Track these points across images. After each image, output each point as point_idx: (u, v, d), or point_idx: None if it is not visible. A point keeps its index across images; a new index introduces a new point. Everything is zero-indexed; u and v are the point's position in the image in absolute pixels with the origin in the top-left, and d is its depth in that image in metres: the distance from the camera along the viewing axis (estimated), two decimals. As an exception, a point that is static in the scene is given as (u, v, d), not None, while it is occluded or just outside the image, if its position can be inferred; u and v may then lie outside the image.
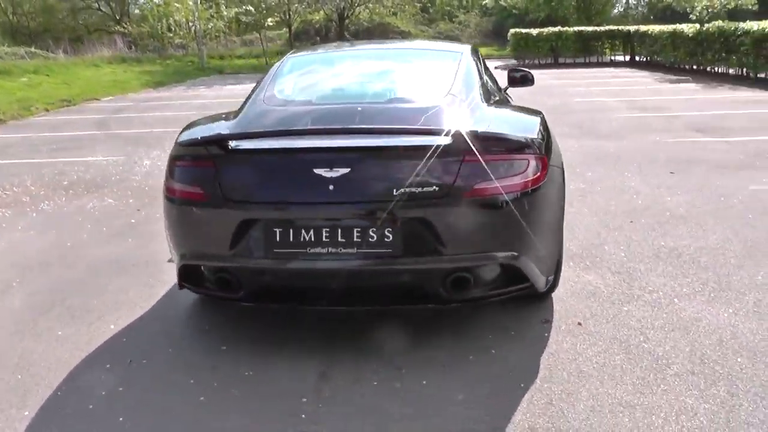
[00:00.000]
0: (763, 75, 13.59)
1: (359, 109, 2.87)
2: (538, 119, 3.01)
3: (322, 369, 2.74)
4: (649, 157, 6.70)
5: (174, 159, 2.76)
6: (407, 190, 2.47)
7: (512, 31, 26.38)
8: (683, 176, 5.81)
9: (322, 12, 31.36)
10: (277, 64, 3.67)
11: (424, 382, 2.63)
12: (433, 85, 3.25)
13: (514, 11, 35.68)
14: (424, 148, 2.46)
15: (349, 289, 2.71)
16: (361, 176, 2.49)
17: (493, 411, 2.43)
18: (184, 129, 3.08)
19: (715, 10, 17.01)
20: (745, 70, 14.27)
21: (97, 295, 3.66)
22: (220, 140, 2.63)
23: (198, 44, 29.95)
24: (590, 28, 25.03)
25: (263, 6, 29.66)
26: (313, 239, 2.51)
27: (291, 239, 2.53)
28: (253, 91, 3.36)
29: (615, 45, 24.23)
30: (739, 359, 2.71)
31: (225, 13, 32.66)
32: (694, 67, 17.12)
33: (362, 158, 2.53)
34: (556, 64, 24.28)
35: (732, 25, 14.69)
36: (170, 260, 4.10)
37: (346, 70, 3.68)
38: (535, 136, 2.75)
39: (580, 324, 3.09)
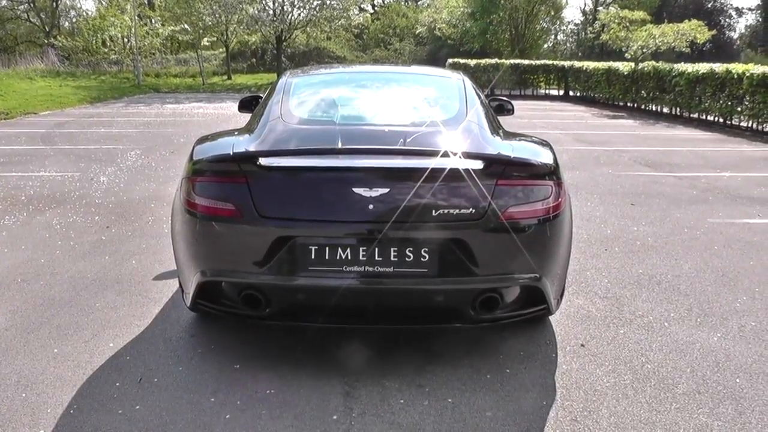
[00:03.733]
0: (695, 115, 14.49)
1: (386, 130, 2.92)
2: (548, 147, 3.14)
3: (346, 388, 2.74)
4: (607, 188, 7.04)
5: (197, 174, 2.72)
6: (445, 211, 2.54)
7: (450, 61, 27.10)
8: (644, 208, 6.13)
9: (259, 34, 31.24)
10: (282, 82, 3.68)
11: (450, 401, 2.67)
12: (448, 110, 3.35)
13: (449, 41, 36.62)
14: (460, 171, 2.53)
15: (378, 308, 2.72)
16: (399, 196, 2.53)
17: (524, 427, 2.49)
18: (198, 144, 3.03)
19: (650, 51, 18.03)
20: (678, 109, 15.14)
21: (85, 313, 3.51)
22: (252, 157, 2.61)
23: (135, 61, 29.26)
24: (527, 62, 25.91)
25: (201, 25, 29.35)
26: (350, 257, 2.53)
27: (327, 257, 2.53)
28: (263, 107, 3.36)
29: (550, 79, 25.16)
30: (737, 380, 2.89)
31: (161, 30, 32.12)
32: (629, 104, 18.02)
33: (401, 179, 2.57)
34: (493, 96, 25.01)
35: (667, 66, 15.62)
36: (157, 277, 4.04)
37: (357, 92, 3.72)
38: (554, 163, 2.87)
39: (583, 345, 3.21)
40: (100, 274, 4.12)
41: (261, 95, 5.16)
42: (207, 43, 31.04)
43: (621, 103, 18.45)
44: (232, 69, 33.61)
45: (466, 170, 2.54)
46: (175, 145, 10.21)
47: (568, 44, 48.43)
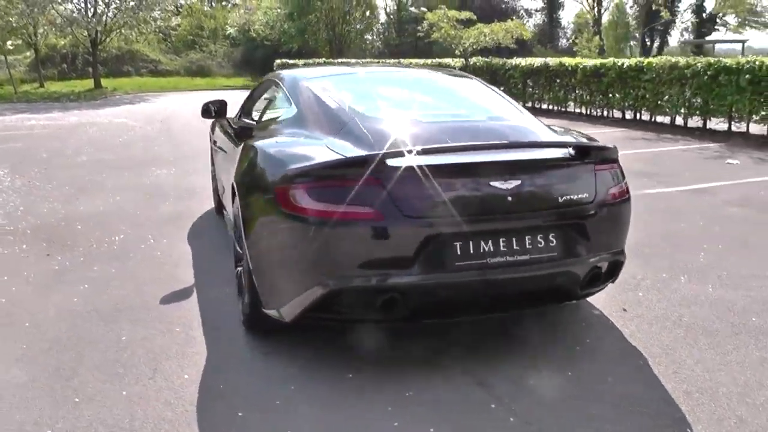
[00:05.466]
0: (530, 104, 16.02)
1: (480, 126, 3.01)
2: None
3: (477, 379, 2.78)
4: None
5: (312, 180, 2.57)
6: (567, 197, 2.72)
7: (278, 62, 26.96)
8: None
9: (70, 36, 28.35)
10: (301, 83, 3.56)
11: (569, 373, 2.85)
12: (501, 105, 3.51)
13: (265, 42, 36.25)
14: (574, 160, 2.73)
15: (512, 296, 2.80)
16: (529, 187, 2.66)
17: (648, 382, 2.75)
18: (269, 150, 2.84)
19: (479, 47, 19.52)
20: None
21: (118, 349, 3.11)
22: (382, 159, 2.53)
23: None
24: (353, 60, 26.66)
25: (3, 25, 25.90)
26: (491, 249, 2.58)
27: (471, 251, 2.56)
28: (323, 112, 3.19)
29: (377, 76, 26.06)
30: (753, 318, 3.41)
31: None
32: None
33: (529, 170, 2.69)
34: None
35: (500, 61, 17.09)
36: (164, 301, 3.67)
37: (408, 91, 3.73)
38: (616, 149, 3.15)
39: (625, 310, 3.55)
40: (89, 306, 3.63)
41: (224, 100, 4.88)
42: (11, 47, 27.33)
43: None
44: (42, 76, 29.92)
45: (578, 159, 2.75)
46: (39, 161, 9.05)
47: (376, 44, 50.37)
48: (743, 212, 5.74)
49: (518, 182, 2.62)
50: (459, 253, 2.56)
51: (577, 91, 14.19)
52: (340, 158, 2.58)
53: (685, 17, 46.63)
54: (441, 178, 2.58)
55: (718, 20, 44.77)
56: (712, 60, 10.94)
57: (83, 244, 4.84)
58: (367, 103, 3.39)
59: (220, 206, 5.55)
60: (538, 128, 3.14)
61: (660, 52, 45.63)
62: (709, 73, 10.64)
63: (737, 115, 10.57)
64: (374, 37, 49.27)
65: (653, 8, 38.96)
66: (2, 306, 3.66)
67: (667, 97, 11.79)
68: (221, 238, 5.00)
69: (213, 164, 5.59)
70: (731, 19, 43.81)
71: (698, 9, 44.85)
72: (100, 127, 13.39)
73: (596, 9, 47.44)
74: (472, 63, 18.20)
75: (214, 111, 4.71)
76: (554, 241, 2.68)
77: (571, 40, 47.74)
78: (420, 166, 2.55)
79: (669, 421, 2.50)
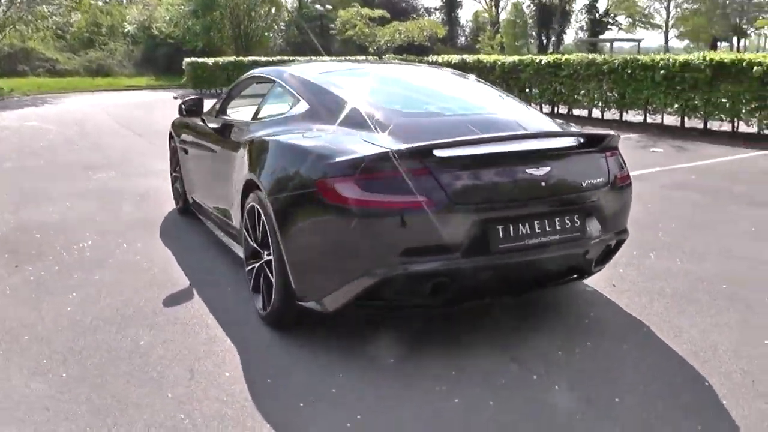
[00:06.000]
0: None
1: (502, 118, 3.21)
2: None
3: (510, 356, 2.95)
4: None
5: (367, 172, 2.63)
6: (588, 181, 2.97)
7: (187, 60, 26.07)
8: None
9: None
10: (309, 79, 3.63)
11: (588, 344, 3.08)
12: (507, 100, 3.75)
13: (169, 40, 34.96)
14: (594, 148, 2.99)
15: (541, 275, 2.98)
16: (558, 173, 2.88)
17: (658, 347, 3.02)
18: (325, 146, 2.89)
19: (395, 44, 19.88)
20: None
21: (139, 354, 3.02)
22: (429, 150, 2.64)
23: None
24: (265, 59, 26.20)
25: None
26: (528, 231, 2.76)
27: (512, 234, 2.74)
28: (345, 107, 3.23)
29: (293, 74, 25.79)
30: (723, 286, 3.80)
31: None
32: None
33: (557, 158, 2.91)
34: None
35: (417, 58, 17.48)
36: (168, 303, 3.59)
37: (417, 86, 3.86)
38: None
39: (614, 285, 3.85)
40: (89, 314, 3.49)
41: (201, 97, 4.79)
42: None
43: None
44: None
45: (596, 146, 3.01)
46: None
47: (278, 42, 49.75)
48: (682, 195, 6.28)
49: (548, 168, 2.83)
50: (501, 236, 2.72)
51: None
52: (388, 150, 2.65)
53: (579, 17, 49.43)
54: (484, 167, 2.74)
55: (610, 20, 47.81)
56: (628, 57, 11.76)
57: (51, 253, 4.61)
58: (383, 98, 3.46)
59: (186, 207, 5.43)
60: (547, 120, 3.38)
61: (556, 50, 48.17)
62: (626, 69, 11.42)
63: (652, 107, 11.41)
64: (275, 34, 48.73)
65: (548, 5, 41.00)
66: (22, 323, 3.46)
67: (583, 91, 12.52)
68: (197, 239, 4.91)
69: (178, 165, 5.44)
70: (623, 20, 46.99)
71: (591, 9, 47.64)
72: (13, 131, 12.51)
73: (494, 8, 49.27)
74: (387, 59, 18.51)
75: (194, 109, 4.63)
76: (578, 222, 2.90)
77: (470, 39, 49.38)
78: (465, 156, 2.69)
79: (689, 378, 2.78)
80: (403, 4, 48.13)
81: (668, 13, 39.36)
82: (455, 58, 16.01)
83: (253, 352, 3.02)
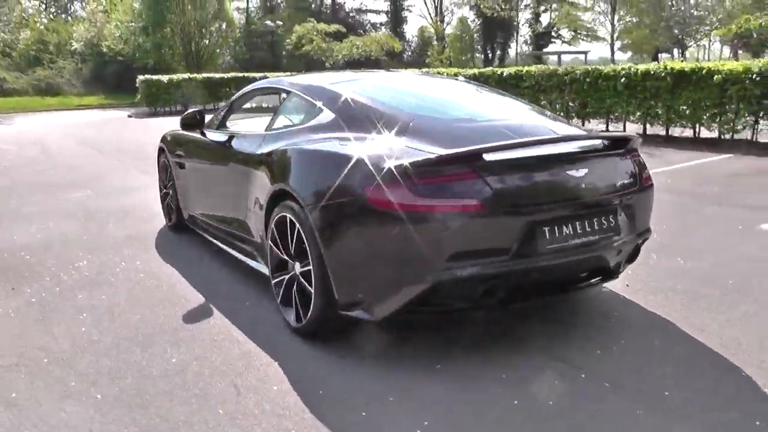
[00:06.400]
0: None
1: (526, 123, 3.27)
2: None
3: (553, 356, 2.98)
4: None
5: (414, 177, 2.63)
6: (621, 182, 3.05)
7: (141, 78, 25.56)
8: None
9: None
10: (339, 89, 3.57)
11: (623, 342, 3.14)
12: (527, 105, 3.83)
13: (118, 57, 34.25)
14: (623, 150, 3.07)
15: (578, 275, 3.02)
16: (594, 174, 2.94)
17: (688, 341, 3.10)
18: (368, 153, 2.86)
19: (353, 58, 19.96)
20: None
21: (175, 372, 2.93)
22: (478, 154, 2.66)
23: None
24: (218, 75, 25.99)
25: None
26: (571, 232, 2.81)
27: (557, 235, 2.77)
28: (367, 115, 3.24)
29: (242, 90, 25.60)
30: (730, 281, 3.94)
31: None
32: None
33: (593, 159, 2.98)
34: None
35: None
36: (188, 320, 3.50)
37: (430, 93, 3.89)
38: None
39: (627, 285, 3.93)
40: (107, 334, 3.36)
41: (202, 111, 4.70)
42: None
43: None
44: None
45: (623, 147, 3.08)
46: None
47: (226, 59, 49.29)
48: (666, 197, 6.47)
49: (586, 170, 2.89)
50: (547, 237, 2.76)
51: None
52: (439, 155, 2.66)
53: (523, 31, 50.75)
54: (529, 170, 2.78)
55: (553, 33, 49.21)
56: (589, 68, 12.11)
57: (46, 274, 4.42)
58: (410, 105, 3.47)
59: (180, 223, 5.30)
60: (569, 125, 3.45)
61: (501, 63, 49.25)
62: (588, 79, 11.76)
63: (614, 115, 11.77)
64: (224, 51, 48.07)
65: (492, 20, 41.92)
66: (3, 347, 3.28)
67: (544, 102, 12.82)
68: (195, 254, 4.81)
69: (170, 180, 5.31)
70: (566, 33, 48.41)
71: (535, 23, 48.98)
72: (-32, 152, 12.02)
73: (440, 23, 50.03)
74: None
75: (194, 122, 4.55)
76: (613, 222, 2.97)
77: (416, 53, 49.93)
78: (513, 159, 2.72)
79: (726, 368, 2.86)
80: (350, 20, 48.48)
81: (613, 26, 40.82)
82: (416, 72, 16.16)
83: (294, 364, 2.96)
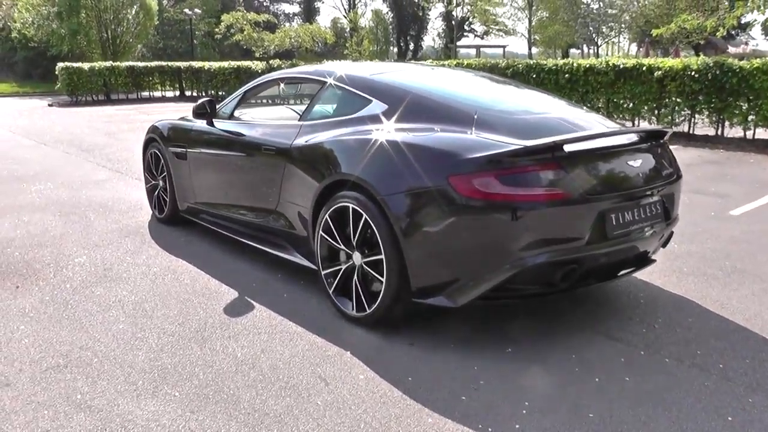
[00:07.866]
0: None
1: (576, 117, 3.40)
2: None
3: (608, 336, 3.15)
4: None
5: (505, 167, 2.73)
6: (665, 172, 3.28)
7: (61, 65, 24.14)
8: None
9: None
10: (388, 80, 3.63)
11: (660, 320, 3.36)
12: (563, 100, 3.98)
13: (30, 44, 32.15)
14: (665, 142, 3.30)
15: (629, 259, 3.19)
16: (646, 164, 3.16)
17: (716, 318, 3.37)
18: (448, 144, 2.93)
19: (284, 48, 19.62)
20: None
21: (247, 367, 2.88)
22: (559, 145, 2.77)
23: None
24: (142, 64, 25.02)
25: None
26: (631, 218, 2.99)
27: (622, 221, 2.94)
28: (439, 106, 3.31)
29: (165, 81, 24.79)
30: (726, 262, 4.27)
31: None
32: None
33: (647, 151, 3.18)
34: (110, 101, 23.43)
35: (311, 66, 17.50)
36: (234, 313, 3.44)
37: (471, 86, 3.95)
38: None
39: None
40: (150, 332, 3.24)
41: (213, 100, 4.55)
42: None
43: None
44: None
45: (663, 140, 3.34)
46: None
47: (139, 47, 47.17)
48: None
49: (641, 161, 3.11)
50: (614, 222, 2.92)
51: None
52: (524, 145, 2.75)
53: (436, 24, 51.53)
54: (601, 160, 2.95)
55: (466, 27, 50.27)
56: (531, 62, 12.54)
57: (48, 271, 4.18)
58: (463, 96, 3.54)
59: (174, 215, 5.13)
60: (604, 118, 3.65)
61: (415, 56, 49.91)
62: (531, 73, 12.19)
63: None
64: (133, 39, 45.74)
65: (404, 13, 42.24)
66: (41, 348, 3.10)
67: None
68: (200, 245, 4.73)
69: (163, 173, 5.11)
70: (478, 27, 49.60)
71: (448, 17, 49.74)
72: None
73: (352, 15, 49.92)
74: (276, 67, 18.34)
75: (206, 111, 4.42)
76: (659, 209, 3.19)
77: (329, 45, 49.67)
78: (589, 149, 2.87)
79: (760, 341, 3.12)
80: (263, 11, 47.49)
81: (530, 21, 42.18)
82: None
83: (370, 354, 2.98)
